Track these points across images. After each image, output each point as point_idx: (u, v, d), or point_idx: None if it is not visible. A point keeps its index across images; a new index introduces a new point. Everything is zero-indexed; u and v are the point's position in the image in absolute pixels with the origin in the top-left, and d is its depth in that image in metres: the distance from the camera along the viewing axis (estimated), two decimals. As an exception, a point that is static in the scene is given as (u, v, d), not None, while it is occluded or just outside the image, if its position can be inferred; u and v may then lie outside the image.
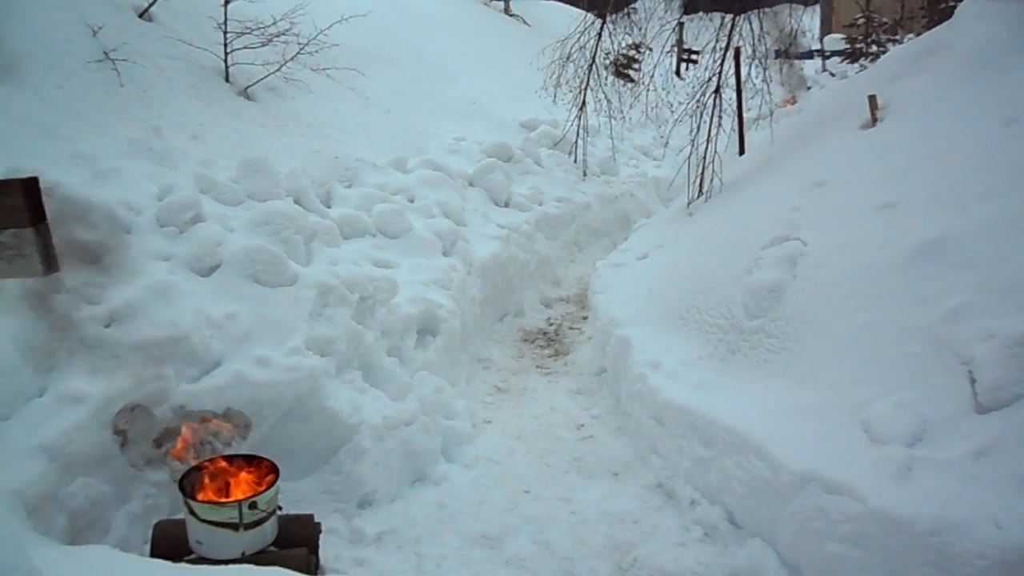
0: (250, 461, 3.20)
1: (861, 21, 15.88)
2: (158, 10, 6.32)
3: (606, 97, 9.04)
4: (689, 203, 6.70)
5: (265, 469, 3.16)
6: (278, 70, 6.50)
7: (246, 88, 6.27)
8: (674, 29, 11.56)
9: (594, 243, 8.47)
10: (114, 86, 5.00)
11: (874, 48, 15.13)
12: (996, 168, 3.78)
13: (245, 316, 3.87)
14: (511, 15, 15.88)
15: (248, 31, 6.29)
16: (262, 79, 6.40)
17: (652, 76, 8.12)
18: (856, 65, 15.10)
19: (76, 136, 4.28)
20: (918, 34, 10.30)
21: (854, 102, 5.39)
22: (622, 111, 9.20)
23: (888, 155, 4.51)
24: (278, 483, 3.09)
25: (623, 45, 10.81)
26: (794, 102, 13.13)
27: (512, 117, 9.68)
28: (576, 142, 9.12)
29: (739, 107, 8.43)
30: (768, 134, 6.86)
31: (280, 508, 3.14)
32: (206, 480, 3.08)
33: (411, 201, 6.20)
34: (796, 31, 7.70)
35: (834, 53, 17.35)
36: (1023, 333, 2.95)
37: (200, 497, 2.99)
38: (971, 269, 3.33)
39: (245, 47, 6.25)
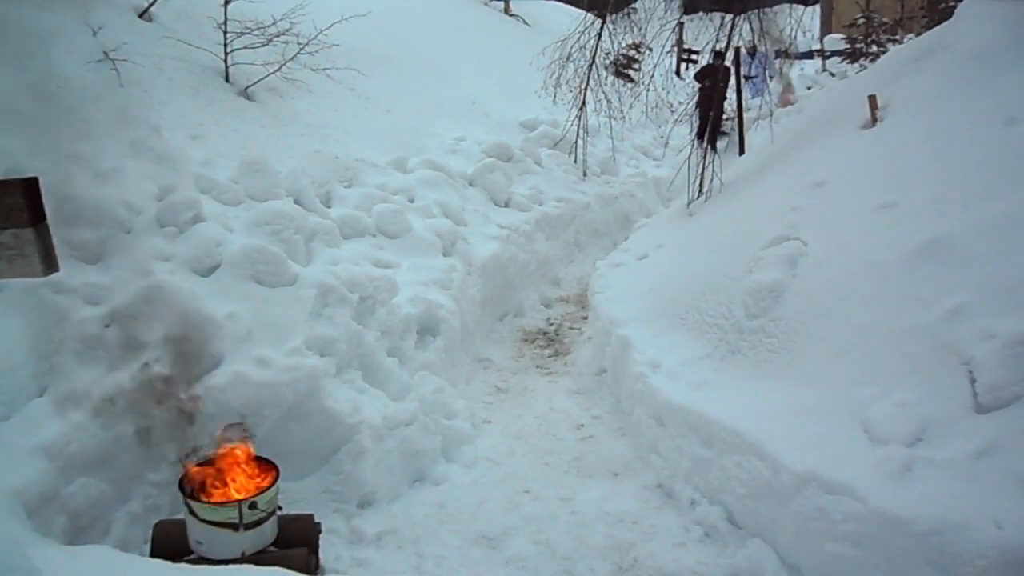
0: (250, 461, 3.20)
1: (861, 21, 15.87)
2: (158, 10, 6.32)
3: (606, 97, 9.03)
4: (689, 203, 6.70)
5: (265, 469, 3.16)
6: (278, 70, 6.50)
7: (246, 88, 6.27)
8: (674, 29, 11.54)
9: (594, 243, 8.47)
10: (114, 86, 4.99)
11: (874, 48, 15.13)
12: (996, 168, 3.78)
13: (245, 316, 3.87)
14: (511, 15, 15.88)
15: (248, 31, 6.29)
16: (262, 79, 6.39)
17: (652, 76, 8.11)
18: (856, 65, 15.10)
19: (76, 136, 4.28)
20: (918, 34, 10.30)
21: (854, 102, 5.39)
22: (622, 111, 9.20)
23: (888, 155, 4.51)
24: (278, 483, 3.10)
25: (623, 45, 10.80)
26: (792, 102, 13.13)
27: (512, 117, 9.67)
28: (576, 142, 9.12)
29: (739, 107, 8.43)
30: (768, 134, 6.86)
31: (280, 508, 3.14)
32: (206, 480, 3.08)
33: (411, 201, 6.20)
34: (796, 31, 7.69)
35: (834, 53, 17.34)
36: (1023, 333, 2.95)
37: (200, 497, 2.99)
38: (971, 269, 3.33)
39: (245, 47, 6.25)
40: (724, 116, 9.47)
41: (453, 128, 8.47)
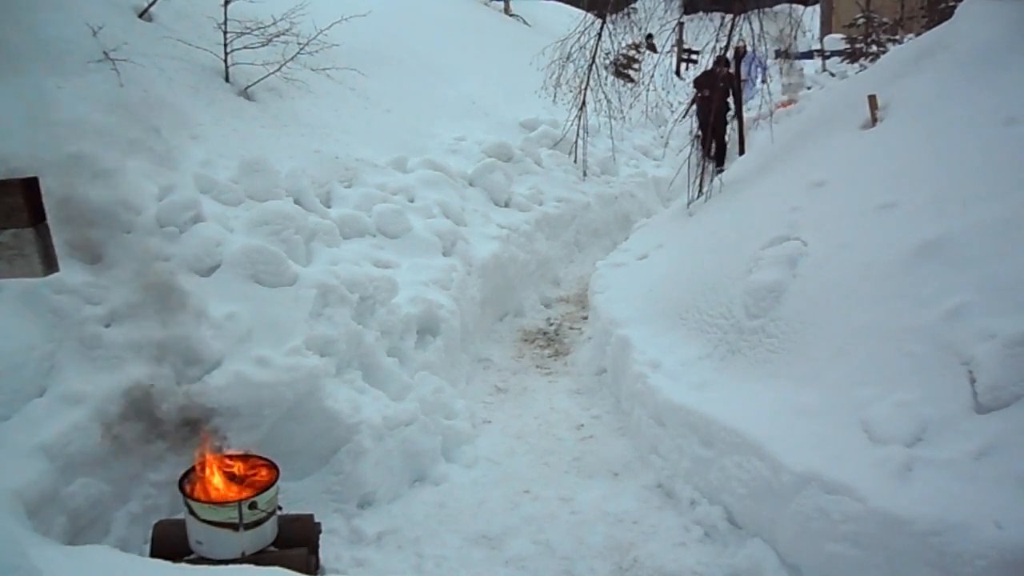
0: (250, 461, 3.20)
1: (861, 21, 15.88)
2: (158, 10, 6.31)
3: (606, 97, 9.03)
4: (689, 203, 6.70)
5: (265, 469, 3.16)
6: (278, 70, 6.49)
7: (246, 88, 6.27)
8: (674, 29, 11.52)
9: (594, 243, 8.47)
10: (114, 86, 4.99)
11: (874, 48, 15.13)
12: (996, 168, 3.78)
13: (245, 316, 3.87)
14: (511, 15, 15.88)
15: (248, 31, 6.29)
16: (262, 79, 6.39)
17: (652, 76, 8.11)
18: (856, 65, 15.10)
19: (76, 136, 4.28)
20: (918, 34, 10.30)
21: (854, 102, 5.39)
22: (622, 111, 9.20)
23: (888, 155, 4.51)
24: (278, 483, 3.10)
25: (624, 45, 10.79)
26: (793, 103, 13.12)
27: (512, 117, 9.67)
28: (576, 142, 9.12)
29: (739, 107, 8.44)
30: (768, 134, 6.86)
31: (280, 508, 3.14)
32: (206, 480, 3.08)
33: (411, 201, 6.20)
34: (796, 31, 7.70)
35: (834, 53, 17.35)
36: (1023, 333, 2.95)
37: (200, 497, 2.99)
38: (971, 269, 3.33)
39: (245, 47, 6.25)
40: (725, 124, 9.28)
41: (453, 128, 8.46)
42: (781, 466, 3.18)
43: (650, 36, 14.92)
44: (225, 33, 6.15)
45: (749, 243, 4.57)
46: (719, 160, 8.85)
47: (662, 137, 10.98)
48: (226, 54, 6.18)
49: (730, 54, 7.63)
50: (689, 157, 6.88)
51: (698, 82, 9.38)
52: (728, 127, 9.25)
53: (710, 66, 8.62)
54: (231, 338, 3.75)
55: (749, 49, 7.33)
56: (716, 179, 6.54)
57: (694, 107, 8.13)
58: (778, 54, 9.20)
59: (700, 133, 7.79)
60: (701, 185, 6.79)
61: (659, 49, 9.88)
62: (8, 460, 2.89)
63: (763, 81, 7.87)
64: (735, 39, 7.19)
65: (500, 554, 3.49)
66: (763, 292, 4.10)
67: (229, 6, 6.19)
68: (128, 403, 3.37)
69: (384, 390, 4.21)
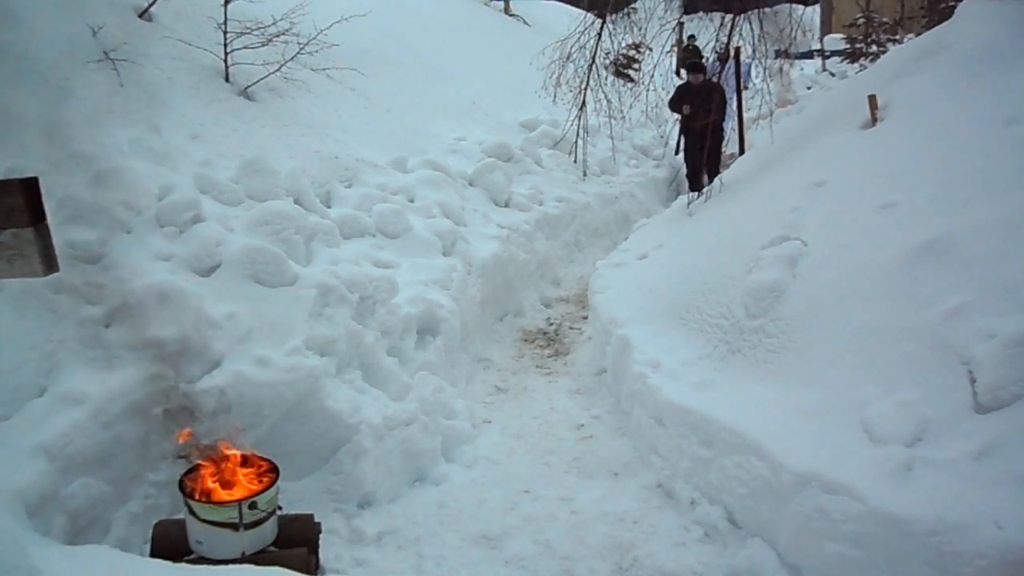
0: (250, 461, 3.20)
1: (861, 21, 15.88)
2: (158, 10, 6.31)
3: (606, 97, 9.03)
4: (689, 203, 6.70)
5: (265, 469, 3.16)
6: (278, 70, 6.49)
7: (246, 88, 6.27)
8: (674, 29, 11.48)
9: (594, 243, 8.47)
10: (114, 86, 4.99)
11: (874, 48, 15.13)
12: (996, 168, 3.78)
13: (245, 316, 3.87)
14: (511, 15, 15.89)
15: (248, 31, 6.29)
16: (262, 79, 6.39)
17: (652, 76, 8.11)
18: (856, 65, 15.10)
19: (76, 136, 4.28)
20: (918, 34, 10.29)
21: (854, 102, 5.39)
22: (622, 111, 9.19)
23: (888, 155, 4.51)
24: (278, 483, 3.10)
25: (625, 45, 10.78)
26: (792, 103, 13.11)
27: (512, 117, 9.67)
28: (576, 142, 9.12)
29: (739, 107, 8.43)
30: (768, 134, 6.86)
31: (280, 508, 3.14)
32: (206, 480, 3.08)
33: (411, 201, 6.20)
34: (796, 31, 7.68)
35: (834, 53, 17.37)
36: (1023, 333, 2.95)
37: (200, 497, 2.99)
38: (971, 269, 3.33)
39: (245, 47, 6.25)
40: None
41: (453, 128, 8.47)
42: (781, 466, 3.18)
43: (692, 37, 14.85)
44: (225, 33, 6.15)
45: (749, 243, 4.57)
46: (714, 165, 8.77)
47: (662, 137, 10.99)
48: (226, 54, 6.18)
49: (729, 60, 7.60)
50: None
51: (674, 101, 9.02)
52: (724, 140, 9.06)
53: (684, 78, 8.38)
54: (231, 338, 3.75)
55: (743, 57, 7.29)
56: (716, 179, 6.54)
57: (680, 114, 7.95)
58: (778, 54, 9.16)
59: (688, 164, 7.50)
60: (700, 189, 6.79)
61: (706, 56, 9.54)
62: (8, 460, 2.90)
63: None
64: (735, 39, 7.19)
65: (500, 554, 3.50)
66: (763, 292, 4.10)
67: (229, 6, 6.19)
68: (128, 403, 3.38)
69: (384, 390, 4.21)
